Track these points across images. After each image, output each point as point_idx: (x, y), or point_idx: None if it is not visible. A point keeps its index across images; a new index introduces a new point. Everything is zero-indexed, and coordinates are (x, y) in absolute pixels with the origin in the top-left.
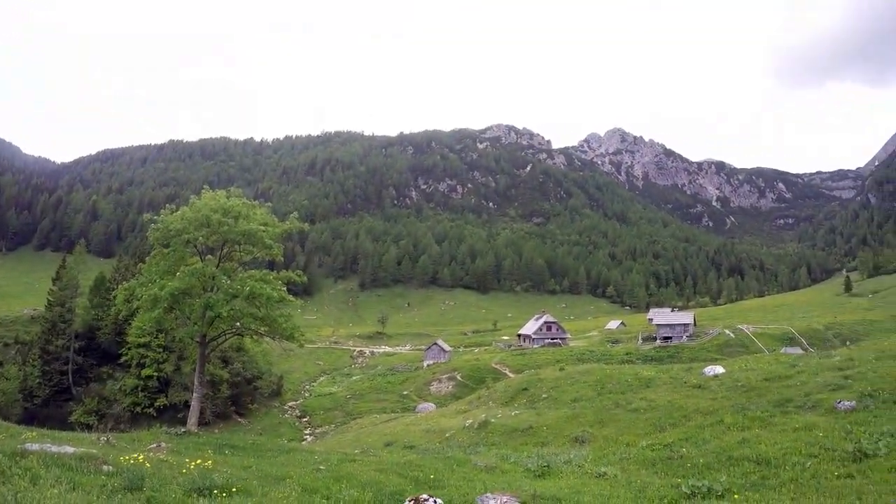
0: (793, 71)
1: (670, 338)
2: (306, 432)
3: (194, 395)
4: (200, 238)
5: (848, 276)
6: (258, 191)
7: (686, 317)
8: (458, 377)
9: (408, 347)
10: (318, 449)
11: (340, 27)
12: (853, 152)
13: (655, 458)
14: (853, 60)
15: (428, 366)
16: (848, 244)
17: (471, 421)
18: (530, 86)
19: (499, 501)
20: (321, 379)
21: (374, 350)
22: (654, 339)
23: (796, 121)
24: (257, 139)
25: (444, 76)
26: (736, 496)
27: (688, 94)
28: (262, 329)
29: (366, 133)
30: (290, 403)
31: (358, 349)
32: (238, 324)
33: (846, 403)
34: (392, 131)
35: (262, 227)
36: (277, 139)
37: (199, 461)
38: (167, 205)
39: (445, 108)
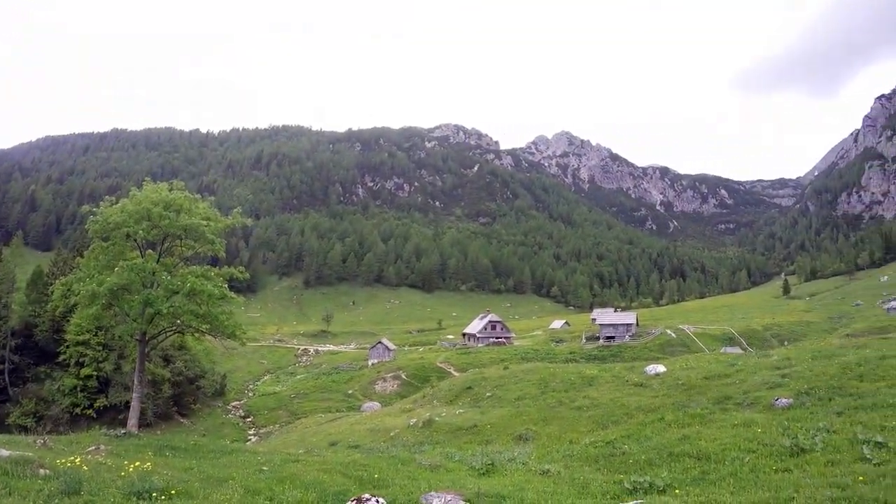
0: (740, 82)
1: (613, 337)
2: (250, 433)
3: (134, 395)
4: (141, 232)
5: (786, 280)
6: (202, 184)
7: (629, 317)
8: (403, 376)
9: (353, 346)
10: (261, 449)
11: (294, 21)
12: (794, 162)
13: (598, 455)
14: (800, 73)
15: (373, 365)
16: (787, 249)
17: (415, 420)
18: (481, 86)
19: (443, 500)
20: (265, 378)
21: (319, 348)
22: (598, 338)
23: (741, 130)
24: (203, 131)
25: (394, 74)
26: (677, 491)
27: (636, 100)
28: (204, 327)
29: (314, 128)
30: (233, 403)
31: (302, 347)
32: (179, 321)
33: (783, 401)
34: (340, 127)
35: (205, 222)
36: (224, 131)
37: (138, 464)
38: (108, 196)
39: (395, 105)
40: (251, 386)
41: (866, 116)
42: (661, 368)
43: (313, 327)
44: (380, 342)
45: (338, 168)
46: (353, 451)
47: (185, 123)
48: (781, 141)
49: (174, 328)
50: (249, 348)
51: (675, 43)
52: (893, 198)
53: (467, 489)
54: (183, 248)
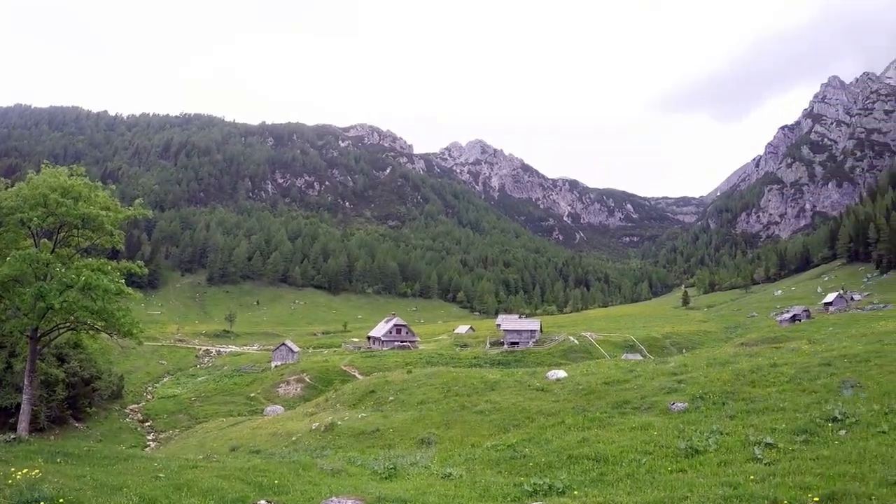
0: (651, 102)
1: (517, 343)
2: (149, 438)
3: (24, 396)
4: (35, 219)
5: (686, 292)
6: (107, 170)
7: (533, 323)
8: (307, 379)
9: (255, 347)
10: (158, 455)
11: (218, 7)
12: (698, 182)
13: (500, 458)
14: (707, 101)
15: (276, 367)
16: (687, 263)
17: (317, 424)
18: (399, 89)
19: None
20: (165, 380)
21: (221, 349)
22: (502, 343)
23: (649, 148)
24: (112, 113)
25: (313, 70)
26: (576, 492)
27: (551, 112)
28: (99, 324)
29: (227, 119)
30: (131, 406)
31: (204, 348)
32: (73, 317)
33: (679, 405)
34: (254, 120)
35: (104, 212)
36: (133, 115)
37: (27, 471)
38: (4, 178)
39: (312, 102)
40: (150, 388)
41: (769, 144)
42: (562, 374)
43: (216, 327)
44: (283, 344)
45: (248, 162)
46: (253, 457)
47: (93, 104)
48: (687, 161)
49: (68, 325)
50: (149, 348)
51: (594, 59)
52: (789, 219)
53: (368, 494)
54: (80, 239)
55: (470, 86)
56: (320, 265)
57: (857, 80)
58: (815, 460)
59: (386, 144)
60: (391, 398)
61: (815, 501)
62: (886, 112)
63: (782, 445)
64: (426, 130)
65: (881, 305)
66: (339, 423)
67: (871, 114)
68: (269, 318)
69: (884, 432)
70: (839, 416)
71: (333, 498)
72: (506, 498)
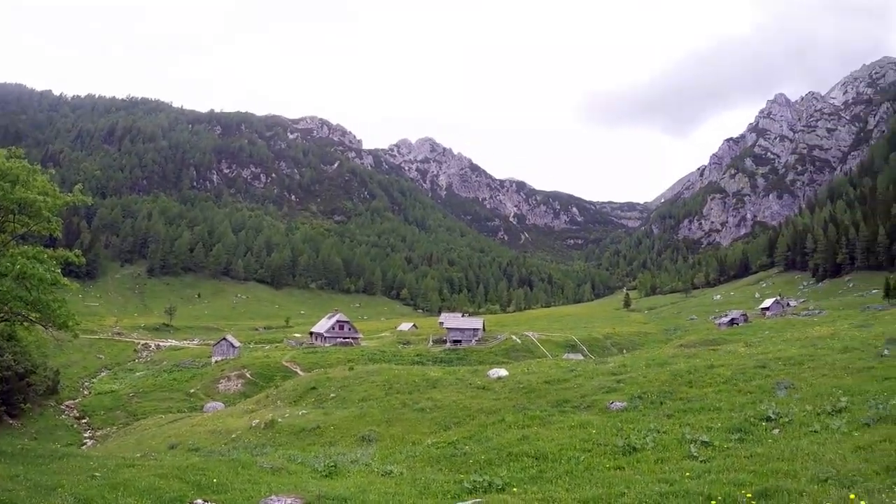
0: (600, 110)
1: (460, 341)
2: (86, 435)
3: None
4: None
5: (627, 294)
6: (48, 153)
7: (476, 322)
8: (248, 375)
9: (196, 342)
10: (94, 454)
11: None
12: (643, 189)
13: (440, 456)
14: (655, 111)
15: (216, 362)
16: (630, 266)
17: (258, 421)
18: (351, 83)
19: (283, 503)
20: (102, 375)
21: (161, 343)
22: (445, 341)
23: (597, 154)
24: (56, 93)
25: (264, 59)
26: (515, 489)
27: (502, 113)
28: (33, 315)
29: (174, 104)
30: (67, 402)
31: (143, 342)
32: (7, 307)
33: (618, 404)
34: (202, 107)
35: (42, 197)
36: (78, 96)
37: None
38: None
39: (262, 91)
40: (87, 383)
41: (713, 155)
42: (503, 372)
43: (155, 320)
44: (224, 339)
45: (194, 150)
46: (192, 455)
47: (38, 82)
48: (633, 168)
49: (2, 315)
50: (86, 341)
51: (547, 63)
52: (730, 228)
53: (308, 492)
54: (16, 225)
55: (421, 83)
56: (264, 259)
57: (802, 98)
58: (749, 458)
59: (335, 138)
60: (332, 395)
61: (748, 497)
62: (829, 130)
63: (718, 443)
64: (376, 126)
65: (816, 311)
66: (280, 420)
67: (814, 131)
68: (211, 311)
69: (815, 431)
70: (773, 416)
71: (273, 496)
72: (446, 495)
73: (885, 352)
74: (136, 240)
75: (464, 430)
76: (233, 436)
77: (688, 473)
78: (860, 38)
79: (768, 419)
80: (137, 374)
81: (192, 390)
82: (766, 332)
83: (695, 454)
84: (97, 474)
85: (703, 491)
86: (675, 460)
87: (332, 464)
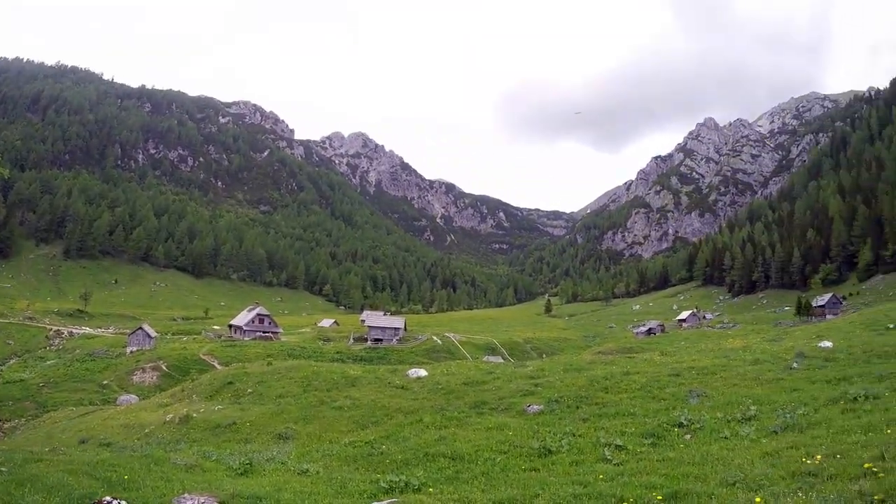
0: (534, 119)
1: (381, 340)
2: None
3: None
4: None
5: (549, 300)
6: None
7: (398, 321)
8: (164, 367)
9: (111, 330)
10: (0, 448)
11: None
12: (570, 199)
13: (357, 455)
14: (584, 125)
15: (132, 353)
16: (553, 273)
17: (172, 415)
18: (285, 72)
19: (196, 502)
20: (11, 362)
21: (74, 331)
22: (366, 340)
23: (527, 162)
24: None
25: (201, 36)
26: (431, 490)
27: (435, 114)
28: None
29: (105, 76)
30: None
31: (55, 328)
32: None
33: (535, 407)
34: (134, 81)
35: None
36: (6, 59)
37: None
38: None
39: (195, 70)
40: None
41: (641, 170)
42: (422, 373)
43: (70, 305)
44: (141, 328)
45: (121, 127)
46: (103, 450)
47: None
48: (563, 179)
49: None
50: None
51: (483, 70)
52: (652, 241)
53: (223, 490)
54: None
55: (355, 77)
56: (185, 246)
57: (730, 123)
58: (661, 462)
59: (267, 126)
60: (249, 390)
61: (659, 500)
62: (753, 156)
63: (631, 448)
64: (309, 117)
65: (730, 325)
66: (195, 415)
67: (739, 156)
68: (128, 299)
69: (726, 438)
70: (685, 422)
71: (186, 494)
72: (362, 495)
73: (795, 364)
74: (54, 218)
75: (381, 430)
76: (146, 431)
77: (601, 476)
78: (791, 72)
79: (681, 425)
80: (49, 362)
81: (105, 382)
82: (682, 343)
83: (609, 457)
84: (2, 469)
85: (615, 493)
86: (590, 463)
87: (247, 462)
